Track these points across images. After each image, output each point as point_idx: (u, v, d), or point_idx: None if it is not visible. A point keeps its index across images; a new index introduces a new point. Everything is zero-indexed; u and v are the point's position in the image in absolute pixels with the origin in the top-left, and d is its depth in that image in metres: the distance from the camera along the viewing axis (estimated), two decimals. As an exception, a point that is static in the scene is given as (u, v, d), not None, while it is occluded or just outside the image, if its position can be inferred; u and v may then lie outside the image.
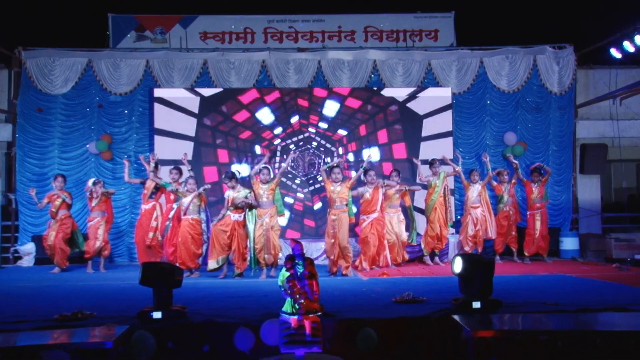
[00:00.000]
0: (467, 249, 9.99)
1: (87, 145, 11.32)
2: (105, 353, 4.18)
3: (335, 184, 8.57)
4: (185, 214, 8.75)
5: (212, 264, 8.56)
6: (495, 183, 10.37)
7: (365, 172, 8.93)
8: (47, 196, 9.75)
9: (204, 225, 9.06)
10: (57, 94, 11.37)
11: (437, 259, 10.13)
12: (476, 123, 11.73)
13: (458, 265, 5.24)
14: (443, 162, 10.26)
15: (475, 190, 10.09)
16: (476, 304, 5.12)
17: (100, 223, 9.69)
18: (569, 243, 11.17)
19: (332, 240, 8.52)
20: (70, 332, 4.68)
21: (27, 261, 10.88)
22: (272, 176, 8.70)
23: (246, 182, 9.17)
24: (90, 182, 9.82)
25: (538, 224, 10.37)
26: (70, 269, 9.76)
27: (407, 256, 9.84)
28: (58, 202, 9.63)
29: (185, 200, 8.71)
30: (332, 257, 8.61)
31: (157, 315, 4.90)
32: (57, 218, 9.66)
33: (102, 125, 11.42)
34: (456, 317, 4.77)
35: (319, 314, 4.29)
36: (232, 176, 8.70)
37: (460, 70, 11.73)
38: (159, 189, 9.60)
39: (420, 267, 9.67)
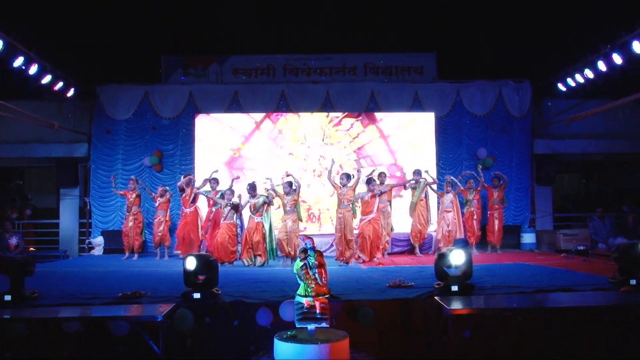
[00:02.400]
0: (441, 245, 9.93)
1: (143, 160, 11.37)
2: (157, 325, 4.22)
3: (343, 187, 8.56)
4: (224, 219, 8.84)
5: (246, 262, 8.74)
6: (462, 188, 10.31)
7: (369, 181, 8.81)
8: (124, 191, 10.06)
9: (238, 229, 9.11)
10: (121, 120, 11.43)
11: (417, 250, 10.04)
12: (454, 141, 11.65)
13: (459, 258, 5.16)
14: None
15: (448, 199, 10.05)
16: (454, 288, 5.07)
17: (162, 220, 9.84)
18: (528, 238, 11.10)
19: (340, 234, 8.50)
20: (130, 308, 4.73)
21: (98, 251, 10.98)
22: (293, 189, 8.70)
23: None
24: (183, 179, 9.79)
25: (496, 222, 10.36)
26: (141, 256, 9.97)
27: (387, 246, 9.77)
28: (132, 198, 9.86)
29: (225, 209, 8.82)
30: (340, 249, 8.56)
31: (197, 295, 4.90)
32: (131, 212, 9.89)
33: (154, 144, 11.46)
34: (438, 298, 4.74)
35: (327, 296, 4.25)
36: (254, 187, 8.81)
37: (441, 98, 11.66)
38: (196, 196, 9.66)
39: (410, 258, 9.62)
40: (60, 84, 10.23)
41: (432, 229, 10.36)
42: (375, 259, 8.73)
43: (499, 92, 11.69)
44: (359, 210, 8.83)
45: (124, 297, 5.07)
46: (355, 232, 8.85)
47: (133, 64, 11.49)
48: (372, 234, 8.69)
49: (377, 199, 8.90)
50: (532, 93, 11.73)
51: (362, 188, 8.89)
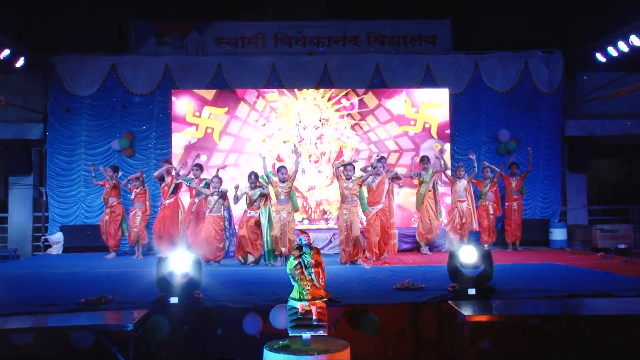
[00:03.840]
0: (452, 236, 9.97)
1: (111, 143, 11.31)
2: (126, 335, 4.19)
3: (348, 180, 8.49)
4: (210, 212, 8.85)
5: (242, 260, 8.79)
6: (476, 179, 10.32)
7: (378, 161, 8.76)
8: (104, 181, 10.09)
9: (226, 223, 9.12)
10: (84, 96, 11.35)
11: (426, 249, 10.05)
12: (472, 121, 11.65)
13: (471, 255, 5.16)
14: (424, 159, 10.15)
15: (461, 185, 10.05)
16: (471, 291, 5.07)
17: (138, 214, 9.86)
18: (558, 234, 11.10)
19: (346, 233, 8.45)
20: (95, 315, 4.70)
21: (56, 249, 10.92)
22: (289, 175, 8.70)
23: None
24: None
25: (515, 215, 10.41)
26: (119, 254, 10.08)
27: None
28: (108, 189, 9.93)
29: (212, 199, 8.80)
30: (347, 249, 8.46)
31: (174, 300, 4.87)
32: (108, 204, 9.96)
33: (124, 124, 11.41)
34: (452, 302, 4.74)
35: (325, 299, 4.24)
36: (257, 176, 8.80)
37: (457, 72, 11.63)
38: (178, 185, 9.64)
39: (419, 256, 9.63)
40: (5, 52, 10.03)
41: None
42: (383, 257, 8.73)
43: (524, 64, 11.66)
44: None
45: (87, 303, 5.03)
46: (359, 228, 8.80)
47: (97, 30, 11.36)
48: (381, 229, 8.65)
49: (387, 184, 8.82)
50: (565, 65, 11.70)
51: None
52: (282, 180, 8.61)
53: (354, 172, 8.59)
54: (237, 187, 8.90)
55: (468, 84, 11.66)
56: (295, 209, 8.93)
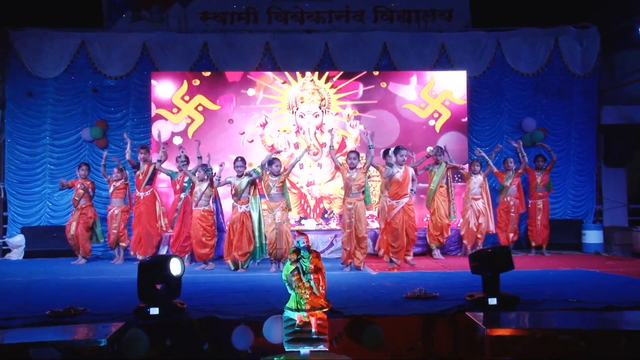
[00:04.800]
0: (465, 242, 9.99)
1: (81, 132, 11.33)
2: (99, 351, 4.16)
3: (352, 170, 8.45)
4: (196, 205, 8.87)
5: (231, 265, 8.74)
6: (496, 170, 10.30)
7: (396, 151, 8.69)
8: (72, 182, 10.09)
9: (214, 217, 9.17)
10: (49, 78, 11.35)
11: (438, 252, 10.07)
12: (492, 108, 11.68)
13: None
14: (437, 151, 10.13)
15: (477, 182, 10.06)
16: (492, 301, 5.08)
17: (117, 213, 9.89)
18: (592, 236, 11.11)
19: (349, 231, 8.41)
20: (62, 330, 4.69)
21: (17, 254, 10.87)
22: (282, 168, 8.71)
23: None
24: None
25: (540, 214, 10.40)
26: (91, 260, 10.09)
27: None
28: (81, 190, 9.91)
29: (198, 191, 8.82)
30: (348, 249, 8.46)
31: (154, 311, 4.89)
32: (78, 207, 9.94)
33: (96, 111, 11.42)
34: (471, 314, 4.74)
35: (326, 310, 4.26)
36: (244, 162, 8.76)
37: (475, 52, 11.65)
38: (154, 174, 9.66)
39: (433, 261, 9.64)
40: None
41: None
42: (410, 261, 8.69)
43: (554, 42, 11.69)
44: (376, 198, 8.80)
45: (53, 315, 5.03)
46: (372, 225, 8.77)
47: (64, 1, 11.30)
48: (409, 227, 8.59)
49: (411, 172, 8.73)
50: (601, 43, 11.71)
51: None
52: (275, 174, 8.58)
53: (359, 161, 8.56)
54: (222, 165, 8.94)
55: (489, 65, 11.68)
56: (289, 207, 8.85)
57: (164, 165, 9.64)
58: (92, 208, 10.08)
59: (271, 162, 8.60)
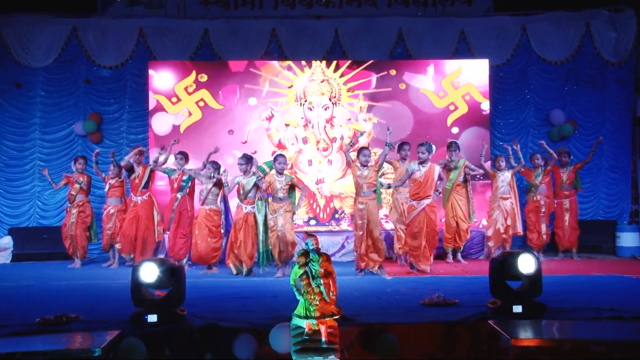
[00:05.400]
0: (490, 244, 9.97)
1: (73, 126, 11.39)
2: (93, 362, 4.21)
3: (363, 167, 8.43)
4: (203, 204, 8.94)
5: (233, 269, 8.80)
6: (521, 167, 10.21)
7: (418, 146, 8.56)
8: (66, 177, 10.10)
9: (222, 217, 9.21)
10: (38, 68, 11.40)
11: (458, 255, 10.03)
12: (517, 100, 11.66)
13: (530, 265, 5.18)
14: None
15: (504, 179, 9.98)
16: (517, 308, 5.07)
17: (113, 212, 9.94)
18: (628, 239, 11.02)
19: (361, 233, 8.38)
20: (53, 338, 4.71)
21: (4, 257, 10.87)
22: (289, 165, 8.73)
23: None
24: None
25: (567, 215, 10.34)
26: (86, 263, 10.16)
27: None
28: (77, 185, 9.96)
29: (205, 188, 8.89)
30: (360, 252, 8.44)
31: (152, 318, 4.92)
32: (74, 203, 9.97)
33: (89, 103, 11.48)
34: (493, 322, 4.74)
35: (337, 317, 4.27)
36: (250, 159, 8.78)
37: (498, 38, 11.62)
38: (150, 177, 9.70)
39: (452, 265, 9.64)
40: None
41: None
42: (429, 267, 8.67)
43: (585, 27, 11.62)
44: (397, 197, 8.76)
45: (43, 323, 5.05)
46: (386, 227, 8.71)
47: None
48: (430, 231, 8.49)
49: (437, 171, 8.56)
50: (637, 27, 11.60)
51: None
52: (280, 172, 8.56)
53: (370, 158, 8.54)
54: (225, 171, 8.99)
55: (513, 53, 11.65)
56: (293, 211, 8.79)
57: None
58: (89, 205, 10.13)
59: (276, 159, 8.59)
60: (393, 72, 11.27)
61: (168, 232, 9.63)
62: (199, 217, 9.02)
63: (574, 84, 11.66)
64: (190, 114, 11.20)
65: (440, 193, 8.86)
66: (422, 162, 8.45)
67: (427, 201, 8.44)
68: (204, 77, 11.19)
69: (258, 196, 8.68)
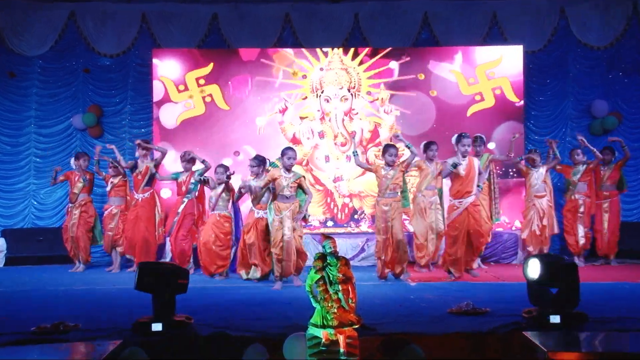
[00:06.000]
0: (530, 249, 9.92)
1: (72, 119, 11.48)
2: (93, 374, 4.24)
3: (388, 167, 8.43)
4: (213, 209, 9.00)
5: (243, 275, 8.84)
6: (559, 166, 10.19)
7: (459, 138, 8.45)
8: (66, 174, 10.14)
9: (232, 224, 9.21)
10: (34, 56, 11.50)
11: (478, 261, 9.83)
12: (554, 90, 11.60)
13: (534, 269, 5.17)
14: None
15: (539, 176, 9.90)
16: (554, 318, 5.05)
17: (115, 212, 10.02)
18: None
19: (385, 237, 8.33)
20: (50, 349, 4.72)
21: (-4, 261, 11.00)
22: (304, 162, 8.70)
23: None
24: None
25: (606, 217, 10.25)
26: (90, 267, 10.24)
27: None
28: (80, 184, 10.00)
29: (214, 193, 8.95)
30: (383, 258, 8.40)
31: (156, 327, 4.94)
32: (76, 203, 10.01)
33: (89, 95, 11.57)
34: (529, 334, 4.72)
35: (356, 326, 4.27)
36: (262, 162, 8.74)
37: (534, 22, 11.56)
38: (153, 175, 9.78)
39: (482, 270, 9.58)
40: None
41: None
42: (474, 272, 8.62)
43: (632, 8, 11.51)
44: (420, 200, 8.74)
45: (40, 332, 5.08)
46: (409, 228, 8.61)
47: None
48: (473, 230, 8.33)
49: (477, 165, 8.44)
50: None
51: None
52: (288, 168, 8.25)
53: (397, 156, 8.52)
54: (233, 173, 9.00)
55: (550, 38, 11.59)
56: (305, 218, 8.53)
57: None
58: (92, 205, 10.19)
59: (284, 153, 8.23)
60: (406, 58, 11.24)
61: (169, 237, 9.67)
62: (207, 222, 9.09)
63: (619, 71, 11.57)
64: (193, 106, 11.24)
65: (481, 188, 8.79)
66: (463, 156, 8.37)
67: (470, 199, 8.35)
68: (215, 71, 11.24)
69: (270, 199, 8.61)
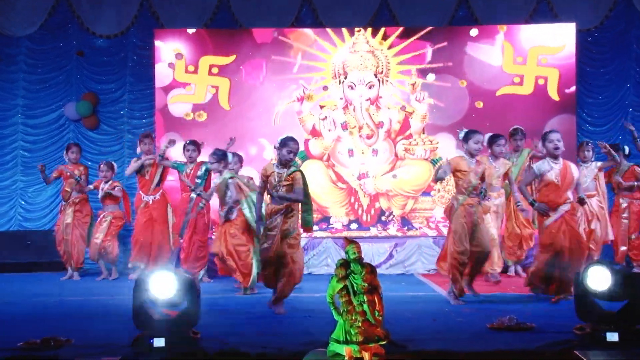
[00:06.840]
0: None
1: (64, 108, 11.53)
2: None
3: (496, 160, 8.53)
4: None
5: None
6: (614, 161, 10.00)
7: (546, 136, 7.90)
8: (58, 170, 10.19)
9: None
10: (21, 37, 11.55)
11: (517, 267, 9.88)
12: (613, 73, 11.54)
13: (601, 280, 5.14)
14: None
15: (588, 173, 9.75)
16: (612, 336, 5.03)
17: (106, 219, 10.01)
18: None
19: (465, 247, 7.48)
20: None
21: (-20, 269, 11.02)
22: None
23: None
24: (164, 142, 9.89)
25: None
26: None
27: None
28: (72, 180, 10.07)
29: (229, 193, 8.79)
30: (463, 270, 7.69)
31: (159, 343, 4.97)
32: (69, 201, 10.07)
33: (83, 80, 11.64)
34: (580, 353, 4.71)
35: (383, 342, 4.28)
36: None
37: (589, -4, 11.49)
38: (163, 173, 9.84)
39: (523, 278, 9.52)
40: None
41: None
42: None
43: None
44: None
45: (27, 348, 5.12)
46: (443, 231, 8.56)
47: None
48: (574, 244, 7.71)
49: (574, 172, 7.81)
50: None
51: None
52: (284, 164, 7.23)
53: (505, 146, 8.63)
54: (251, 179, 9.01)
55: (608, 14, 11.48)
56: (308, 225, 7.37)
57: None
58: (87, 203, 10.26)
59: (284, 143, 7.13)
60: (443, 43, 11.19)
61: (181, 240, 9.65)
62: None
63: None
64: (194, 92, 11.26)
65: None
66: (554, 158, 7.78)
67: (566, 207, 7.75)
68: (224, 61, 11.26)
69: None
